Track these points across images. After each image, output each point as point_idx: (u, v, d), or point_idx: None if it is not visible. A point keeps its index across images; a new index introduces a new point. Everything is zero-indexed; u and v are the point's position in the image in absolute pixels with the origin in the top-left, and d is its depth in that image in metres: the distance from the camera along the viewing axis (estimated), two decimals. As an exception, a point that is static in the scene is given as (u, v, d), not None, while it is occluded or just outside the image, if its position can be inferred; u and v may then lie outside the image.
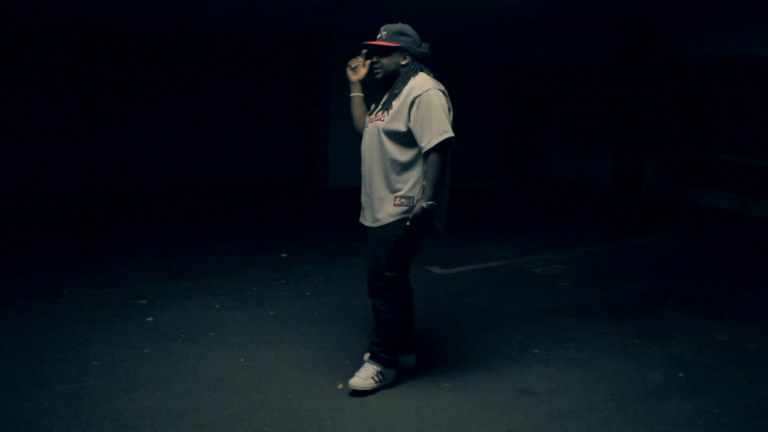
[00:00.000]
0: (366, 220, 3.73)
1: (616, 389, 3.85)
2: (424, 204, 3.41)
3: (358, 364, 3.92)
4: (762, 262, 6.70)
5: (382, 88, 3.69)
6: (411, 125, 3.46)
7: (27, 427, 3.36)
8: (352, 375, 3.78)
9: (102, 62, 9.96)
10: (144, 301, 5.24)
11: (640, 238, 7.49)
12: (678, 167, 9.69)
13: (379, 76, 3.64)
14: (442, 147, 3.42)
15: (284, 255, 6.65)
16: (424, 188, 3.48)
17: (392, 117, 3.50)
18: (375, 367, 3.76)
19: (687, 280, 5.94)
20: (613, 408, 3.63)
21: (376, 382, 3.73)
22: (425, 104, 3.42)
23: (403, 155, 3.52)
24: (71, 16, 7.38)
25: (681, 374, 4.06)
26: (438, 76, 3.67)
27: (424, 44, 3.64)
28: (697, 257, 6.83)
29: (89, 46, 9.82)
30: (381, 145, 3.55)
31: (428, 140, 3.41)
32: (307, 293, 5.49)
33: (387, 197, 3.56)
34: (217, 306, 5.17)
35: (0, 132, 9.50)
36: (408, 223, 3.48)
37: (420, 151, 3.49)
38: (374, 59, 3.63)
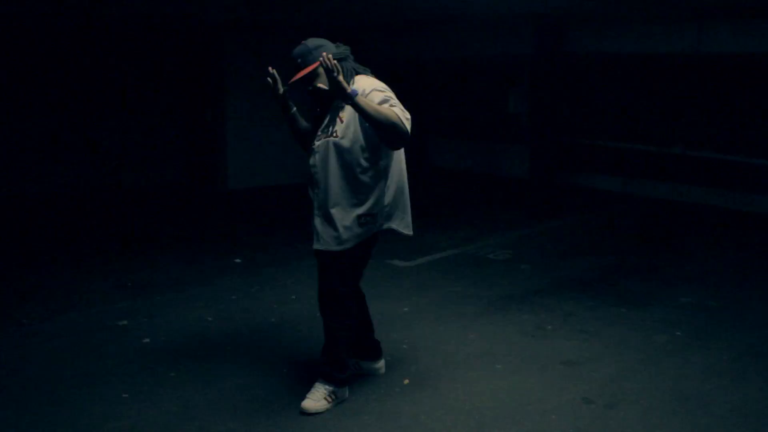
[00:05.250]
0: (321, 243, 3.42)
1: (638, 350, 4.34)
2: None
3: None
4: (670, 233, 7.61)
5: (318, 103, 3.47)
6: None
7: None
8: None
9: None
10: (125, 322, 4.88)
11: (555, 221, 8.16)
12: (559, 153, 10.53)
13: (324, 97, 3.40)
14: (404, 124, 3.19)
15: (238, 261, 6.45)
16: (384, 204, 3.44)
17: (344, 129, 3.33)
18: (327, 387, 3.58)
19: (624, 254, 6.65)
20: (649, 364, 4.12)
21: (329, 402, 3.56)
22: (379, 96, 3.23)
23: (362, 170, 3.35)
24: None
25: (678, 333, 4.64)
26: None
27: (337, 44, 3.43)
28: (616, 233, 7.63)
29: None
30: (337, 159, 3.34)
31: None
32: (293, 296, 5.43)
33: (346, 217, 3.37)
34: (210, 318, 4.95)
35: None
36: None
37: (379, 167, 3.39)
38: (310, 89, 3.39)
